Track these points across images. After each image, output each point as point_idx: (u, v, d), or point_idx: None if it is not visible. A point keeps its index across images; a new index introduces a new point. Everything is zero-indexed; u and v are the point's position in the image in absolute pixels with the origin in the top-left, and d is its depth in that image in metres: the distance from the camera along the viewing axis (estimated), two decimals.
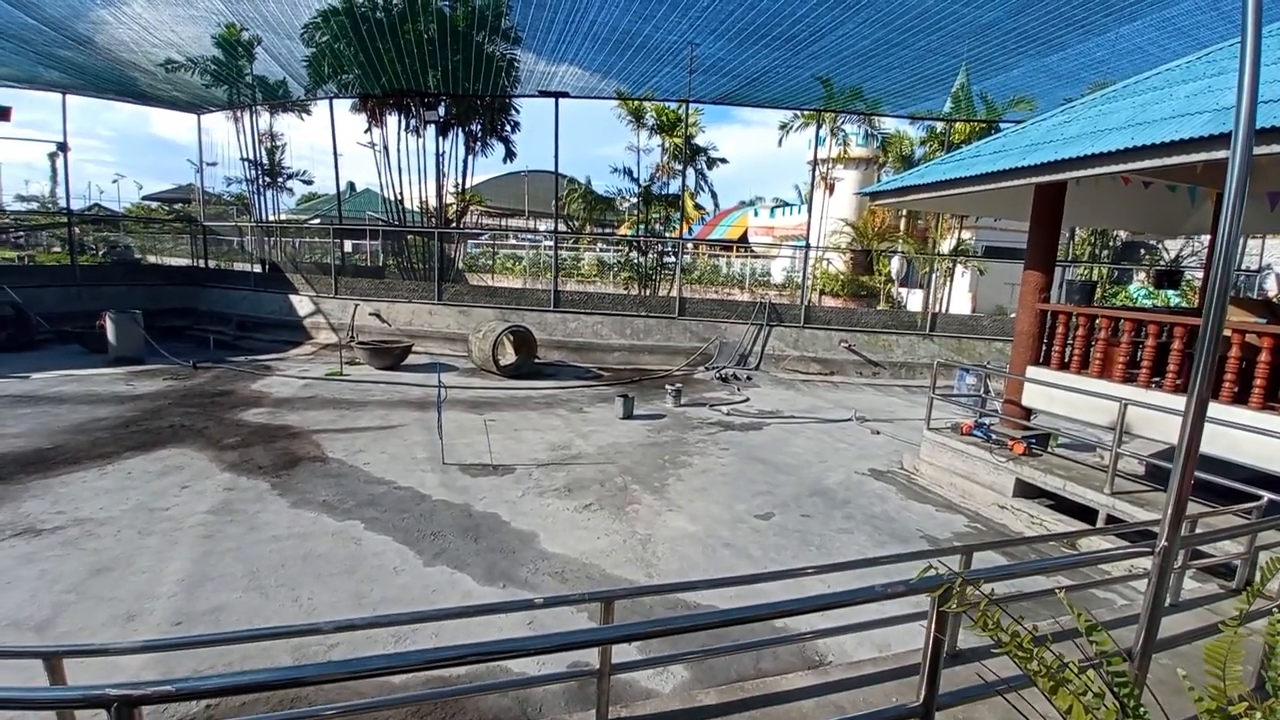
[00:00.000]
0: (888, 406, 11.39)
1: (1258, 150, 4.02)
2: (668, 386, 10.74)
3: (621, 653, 3.52)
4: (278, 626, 3.46)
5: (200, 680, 1.45)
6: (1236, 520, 4.06)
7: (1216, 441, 4.96)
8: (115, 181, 48.70)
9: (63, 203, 17.17)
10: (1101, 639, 1.31)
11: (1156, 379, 5.92)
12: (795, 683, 3.08)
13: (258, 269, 17.36)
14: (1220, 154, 4.39)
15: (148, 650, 3.12)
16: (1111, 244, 19.04)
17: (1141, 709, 1.18)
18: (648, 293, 17.38)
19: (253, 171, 17.91)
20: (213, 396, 9.67)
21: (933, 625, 2.04)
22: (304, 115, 18.44)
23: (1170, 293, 15.59)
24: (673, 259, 17.84)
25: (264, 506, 5.73)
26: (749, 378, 13.31)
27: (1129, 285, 18.74)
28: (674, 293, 15.83)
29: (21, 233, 23.40)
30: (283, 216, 20.80)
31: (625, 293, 17.73)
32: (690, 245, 27.68)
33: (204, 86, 15.14)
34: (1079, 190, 6.85)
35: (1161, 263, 18.81)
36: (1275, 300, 13.74)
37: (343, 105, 16.53)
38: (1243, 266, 16.65)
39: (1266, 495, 4.42)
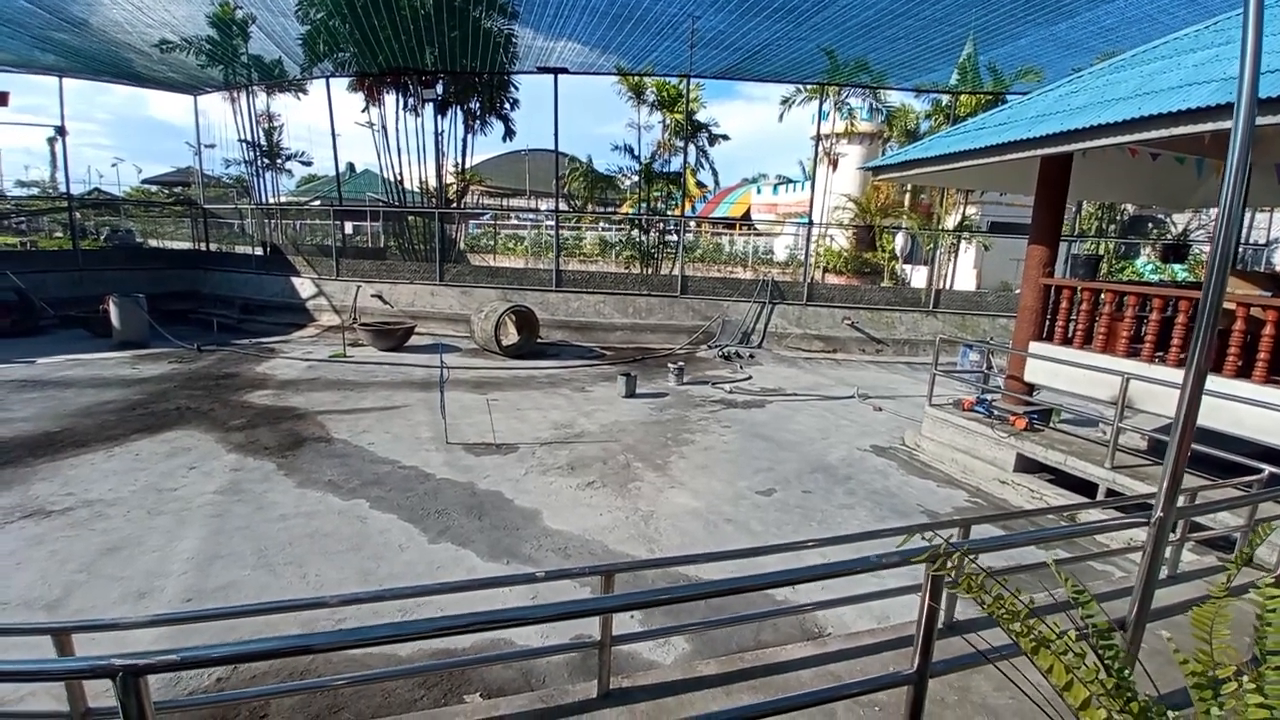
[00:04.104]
0: (890, 383, 11.39)
1: (1261, 120, 3.95)
2: (670, 365, 10.75)
3: (624, 626, 3.59)
4: (284, 600, 3.51)
5: (206, 650, 1.48)
6: (1235, 493, 4.07)
7: (1220, 415, 4.96)
8: (114, 165, 48.59)
9: (63, 187, 17.12)
10: (1089, 605, 1.32)
11: (1160, 353, 5.90)
12: (794, 654, 3.13)
13: (259, 252, 17.33)
14: (1226, 124, 4.32)
15: (155, 625, 3.17)
16: (1119, 218, 18.82)
17: (1126, 673, 1.20)
18: (650, 271, 17.30)
19: (251, 153, 17.79)
20: (218, 379, 9.73)
21: (927, 595, 2.06)
22: (301, 95, 18.23)
23: (1177, 266, 15.47)
24: (675, 237, 17.73)
25: (271, 486, 5.80)
26: (751, 355, 13.31)
27: (1136, 260, 18.57)
28: (676, 271, 15.76)
29: (23, 218, 23.36)
30: (283, 198, 20.69)
31: (627, 272, 17.65)
32: (692, 223, 27.46)
33: (199, 67, 14.98)
34: (1086, 163, 6.75)
35: (1168, 236, 18.60)
36: None
37: (340, 84, 16.37)
38: (1250, 240, 16.46)
39: (1268, 469, 4.43)
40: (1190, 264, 15.96)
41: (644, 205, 19.18)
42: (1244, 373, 5.18)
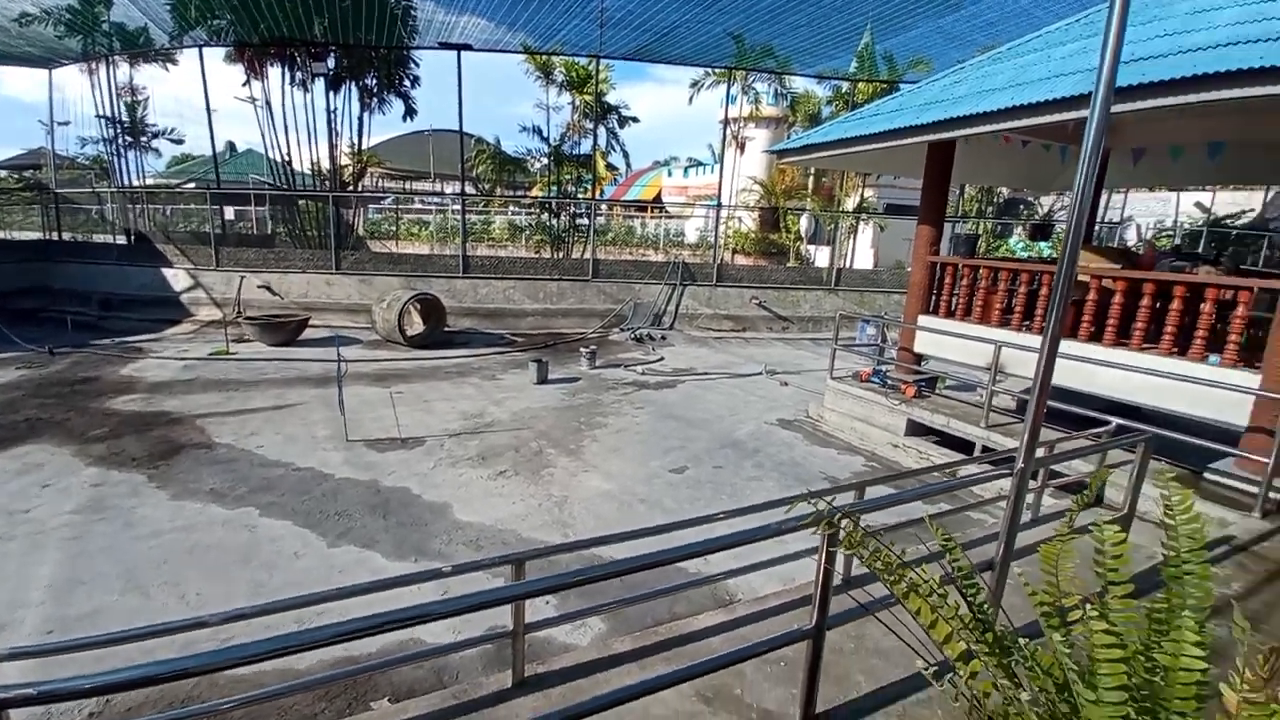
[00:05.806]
0: (796, 359, 11.88)
1: (1117, 108, 4.35)
2: (582, 349, 10.69)
3: (540, 612, 3.54)
4: (158, 624, 3.19)
5: (67, 682, 1.32)
6: (1087, 443, 4.55)
7: (1076, 376, 5.51)
8: None
9: None
10: (955, 552, 1.42)
11: (1027, 322, 6.47)
12: (705, 622, 3.20)
13: (122, 240, 15.60)
14: (1085, 113, 4.73)
15: (13, 659, 2.81)
16: (995, 200, 20.46)
17: (986, 608, 1.30)
18: (561, 256, 17.09)
19: (112, 130, 15.93)
20: (74, 385, 8.69)
21: (823, 556, 2.16)
22: (169, 66, 16.50)
23: (1043, 244, 16.98)
24: (586, 221, 17.57)
25: (140, 501, 5.26)
26: (663, 337, 13.47)
27: (1009, 238, 20.28)
28: (587, 255, 15.64)
29: None
30: (150, 181, 18.72)
31: (538, 256, 17.35)
32: (604, 207, 27.34)
33: (57, 38, 13.17)
34: (967, 148, 7.24)
35: (1036, 216, 20.45)
36: (1132, 249, 15.28)
37: (215, 55, 14.92)
38: (1105, 219, 18.37)
39: (1115, 420, 4.98)
40: (1054, 241, 17.62)
41: (554, 188, 18.86)
42: (1096, 337, 5.77)
